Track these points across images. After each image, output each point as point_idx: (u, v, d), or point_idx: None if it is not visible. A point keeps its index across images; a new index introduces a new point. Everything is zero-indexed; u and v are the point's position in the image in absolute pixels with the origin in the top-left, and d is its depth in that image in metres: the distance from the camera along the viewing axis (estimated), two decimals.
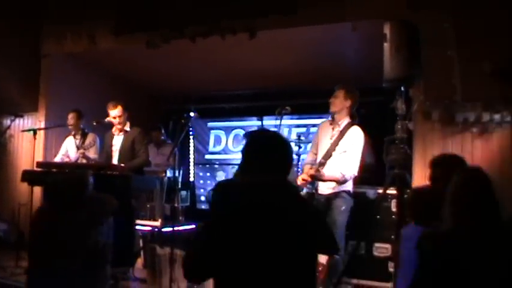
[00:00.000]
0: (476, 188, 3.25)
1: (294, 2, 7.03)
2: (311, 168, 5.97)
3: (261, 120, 10.77)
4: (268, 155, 2.85)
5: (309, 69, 8.81)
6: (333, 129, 6.06)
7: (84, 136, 7.86)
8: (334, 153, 5.93)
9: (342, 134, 5.92)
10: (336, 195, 5.89)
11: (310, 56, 8.53)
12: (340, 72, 8.99)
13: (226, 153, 11.97)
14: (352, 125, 5.98)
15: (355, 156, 5.83)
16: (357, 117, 6.13)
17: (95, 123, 7.54)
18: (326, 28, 7.23)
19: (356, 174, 5.84)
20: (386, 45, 4.83)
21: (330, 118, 6.19)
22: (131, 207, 6.26)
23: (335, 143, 5.93)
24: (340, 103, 5.99)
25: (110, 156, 7.45)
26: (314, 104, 9.07)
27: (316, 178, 5.91)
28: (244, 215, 2.67)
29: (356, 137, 5.89)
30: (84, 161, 7.42)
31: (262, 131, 3.74)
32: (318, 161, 6.02)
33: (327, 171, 5.88)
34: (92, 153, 7.71)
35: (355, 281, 6.56)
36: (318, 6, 6.96)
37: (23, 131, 8.55)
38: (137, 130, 7.48)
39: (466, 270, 2.95)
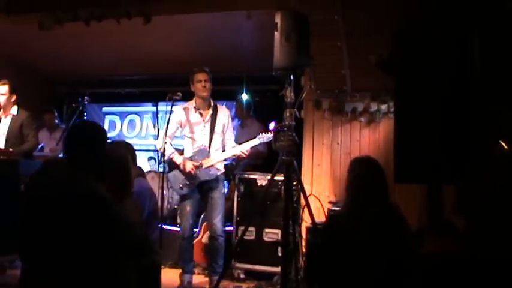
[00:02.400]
0: (369, 173, 3.51)
1: None
2: None
3: (156, 105, 10.76)
4: None
5: (205, 55, 8.82)
6: (201, 114, 6.44)
7: None
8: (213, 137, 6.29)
9: (215, 116, 6.43)
10: (217, 179, 6.21)
11: (205, 43, 8.56)
12: (235, 60, 9.09)
13: (121, 139, 11.82)
14: (216, 105, 6.43)
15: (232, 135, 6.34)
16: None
17: None
18: (221, 15, 7.29)
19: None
20: (276, 34, 4.92)
21: (187, 104, 6.55)
22: (18, 193, 6.09)
23: (212, 127, 6.39)
24: (209, 87, 6.36)
25: None
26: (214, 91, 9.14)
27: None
28: None
29: (227, 115, 6.48)
30: None
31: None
32: None
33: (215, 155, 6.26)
34: None
35: (246, 265, 6.66)
36: None
37: None
38: (26, 114, 7.28)
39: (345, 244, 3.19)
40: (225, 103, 9.32)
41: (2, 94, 7.09)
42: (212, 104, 6.33)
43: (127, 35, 8.19)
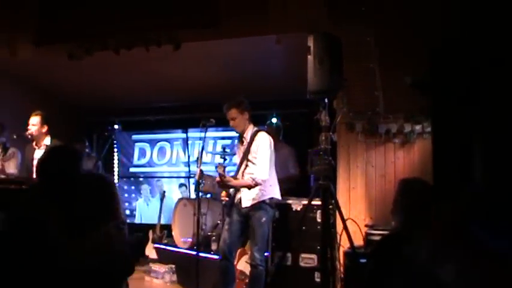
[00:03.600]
0: (422, 195, 3.48)
1: (217, 15, 7.04)
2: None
3: (186, 132, 10.76)
4: None
5: (234, 81, 8.83)
6: (242, 143, 6.14)
7: (5, 150, 7.58)
8: (244, 164, 6.03)
9: (250, 143, 6.00)
10: (255, 206, 5.94)
11: (235, 68, 8.57)
12: (265, 85, 9.07)
13: (151, 166, 11.86)
14: (258, 132, 6.07)
15: (263, 160, 5.91)
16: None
17: (15, 137, 7.28)
18: (250, 41, 7.30)
19: (267, 177, 5.89)
20: (310, 57, 4.89)
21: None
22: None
23: (245, 154, 6.02)
24: (239, 121, 6.06)
25: (31, 171, 7.22)
26: None
27: (223, 185, 6.03)
28: None
29: (261, 142, 5.98)
30: (2, 176, 7.17)
31: None
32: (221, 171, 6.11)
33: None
34: (12, 168, 7.47)
35: None
36: (242, 19, 7.00)
37: None
38: (58, 144, 7.29)
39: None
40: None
41: (33, 125, 7.09)
42: (252, 131, 6.19)
43: (156, 63, 8.22)
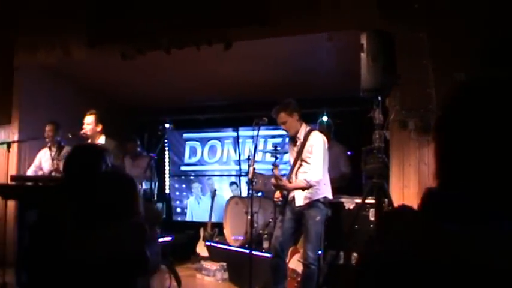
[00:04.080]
0: None
1: (268, 13, 7.04)
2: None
3: (237, 131, 10.79)
4: None
5: (285, 79, 8.82)
6: (295, 144, 6.10)
7: (60, 149, 7.73)
8: (298, 164, 6.00)
9: (303, 143, 5.97)
10: (309, 205, 5.92)
11: (285, 66, 8.55)
12: (316, 82, 9.03)
13: (202, 165, 11.93)
14: (311, 131, 6.04)
15: (317, 161, 5.87)
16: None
17: (70, 136, 7.41)
18: (301, 38, 7.26)
19: (321, 178, 5.86)
20: (363, 55, 4.85)
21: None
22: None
23: (298, 154, 5.99)
24: (290, 124, 6.03)
25: None
26: None
27: (279, 187, 6.00)
28: None
29: (315, 142, 5.94)
30: (58, 174, 7.30)
31: None
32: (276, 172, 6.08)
33: (296, 180, 5.96)
34: None
35: None
36: (293, 17, 6.98)
37: None
38: (113, 143, 7.35)
39: None
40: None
41: (88, 124, 7.18)
42: (305, 131, 6.16)
43: (207, 61, 8.26)
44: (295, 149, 6.12)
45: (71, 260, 3.04)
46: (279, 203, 6.30)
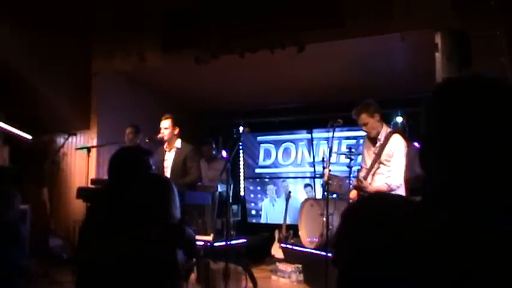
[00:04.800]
0: None
1: (341, 15, 7.03)
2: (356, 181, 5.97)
3: (311, 133, 10.78)
4: None
5: (358, 80, 8.78)
6: (374, 144, 6.02)
7: None
8: (376, 165, 5.92)
9: (383, 145, 5.88)
10: None
11: (359, 68, 8.51)
12: (389, 83, 8.95)
13: (276, 167, 11.96)
14: (392, 133, 5.94)
15: (398, 166, 5.78)
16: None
17: (147, 140, 7.53)
18: (374, 39, 7.22)
19: (402, 182, 5.78)
20: (437, 54, 4.81)
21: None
22: (184, 222, 6.27)
23: (377, 156, 5.90)
24: (371, 125, 5.94)
25: (162, 172, 7.45)
26: None
27: (360, 189, 5.93)
28: None
29: (397, 146, 5.83)
30: None
31: None
32: (362, 174, 6.01)
33: (373, 183, 5.88)
34: None
35: None
36: (366, 18, 6.95)
37: (77, 149, 8.64)
38: (189, 147, 7.46)
39: None
40: None
41: (165, 128, 7.29)
42: (386, 133, 6.09)
43: (280, 64, 8.30)
44: (374, 150, 6.04)
45: (102, 261, 3.10)
46: None
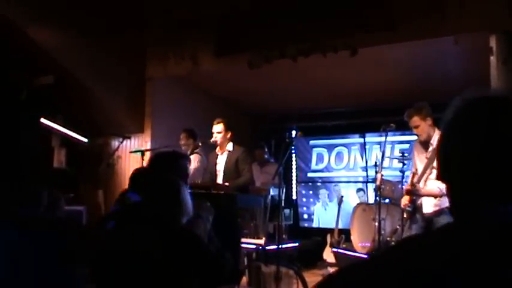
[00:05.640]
0: None
1: (393, 18, 6.98)
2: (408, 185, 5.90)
3: (363, 137, 10.71)
4: None
5: (411, 84, 8.71)
6: (426, 149, 5.94)
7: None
8: (428, 171, 5.83)
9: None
10: (438, 213, 5.77)
11: (411, 71, 8.45)
12: (442, 87, 8.81)
13: (328, 171, 11.94)
14: None
15: None
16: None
17: (200, 144, 7.62)
18: (427, 42, 7.14)
19: None
20: (492, 58, 4.73)
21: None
22: (237, 225, 6.31)
23: (430, 160, 5.81)
24: (422, 128, 5.85)
25: (214, 175, 7.52)
26: None
27: (413, 193, 5.85)
28: None
29: None
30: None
31: None
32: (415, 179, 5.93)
33: (425, 187, 5.80)
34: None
35: None
36: (418, 21, 6.88)
37: (131, 152, 8.74)
38: (241, 149, 7.51)
39: None
40: None
41: (218, 132, 7.35)
42: (438, 136, 5.97)
43: (333, 68, 8.30)
44: (426, 154, 5.96)
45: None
46: (408, 209, 6.16)
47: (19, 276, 3.43)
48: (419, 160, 6.03)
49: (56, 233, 3.43)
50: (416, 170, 6.07)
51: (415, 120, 5.81)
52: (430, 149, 5.85)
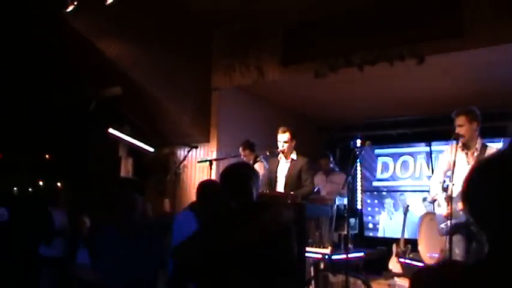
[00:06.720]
0: None
1: (461, 25, 6.90)
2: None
3: (429, 145, 10.58)
4: None
5: (479, 91, 8.56)
6: (467, 154, 5.83)
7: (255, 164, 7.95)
8: None
9: (480, 156, 5.69)
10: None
11: (479, 78, 8.32)
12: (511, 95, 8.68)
13: (394, 180, 11.84)
14: (486, 146, 5.76)
15: None
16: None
17: (268, 153, 7.63)
18: (496, 49, 7.02)
19: None
20: None
21: (455, 143, 5.87)
22: (305, 235, 6.32)
23: None
24: (465, 129, 5.75)
25: (274, 182, 7.51)
26: (485, 128, 8.78)
27: None
28: None
29: None
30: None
31: None
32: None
33: None
34: None
35: None
36: (487, 27, 6.78)
37: (199, 161, 8.83)
38: (304, 160, 7.49)
39: None
40: (502, 140, 8.96)
41: (285, 142, 7.31)
42: (480, 145, 5.90)
43: (399, 77, 8.25)
44: (468, 159, 5.85)
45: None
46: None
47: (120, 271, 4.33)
48: (460, 165, 5.85)
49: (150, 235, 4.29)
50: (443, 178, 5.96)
51: (461, 119, 5.79)
52: (476, 154, 5.75)
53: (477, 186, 1.54)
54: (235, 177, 3.76)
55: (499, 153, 1.54)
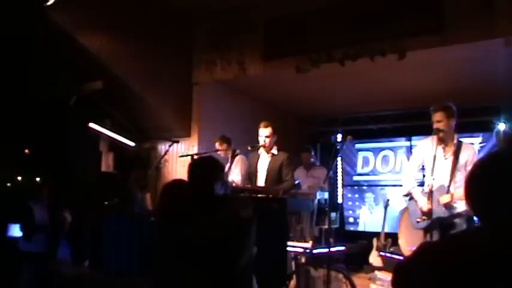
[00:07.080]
0: None
1: (442, 21, 6.94)
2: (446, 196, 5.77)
3: (410, 140, 10.65)
4: None
5: (458, 87, 8.63)
6: (444, 149, 5.87)
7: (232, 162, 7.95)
8: (456, 173, 5.74)
9: (456, 152, 5.73)
10: (456, 216, 5.71)
11: (459, 74, 8.38)
12: (491, 90, 8.76)
13: (374, 175, 11.90)
14: (461, 143, 5.81)
15: None
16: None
17: (249, 148, 7.60)
18: (476, 45, 7.08)
19: None
20: None
21: (435, 138, 5.91)
22: (286, 229, 6.33)
23: (454, 164, 5.72)
24: (443, 125, 5.78)
25: (254, 177, 7.50)
26: (465, 123, 8.87)
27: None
28: None
29: (473, 157, 5.68)
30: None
31: None
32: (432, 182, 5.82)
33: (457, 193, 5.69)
34: (236, 175, 7.89)
35: None
36: (468, 23, 6.82)
37: (181, 156, 8.79)
38: (285, 154, 7.46)
39: None
40: (480, 135, 9.04)
41: (266, 136, 7.28)
42: (456, 140, 5.94)
43: (380, 72, 8.27)
44: (445, 155, 5.88)
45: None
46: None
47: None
48: (438, 161, 5.87)
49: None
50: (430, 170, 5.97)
51: (440, 115, 5.78)
52: (452, 150, 5.77)
53: (484, 182, 1.58)
54: (197, 172, 3.80)
55: (504, 150, 1.67)
